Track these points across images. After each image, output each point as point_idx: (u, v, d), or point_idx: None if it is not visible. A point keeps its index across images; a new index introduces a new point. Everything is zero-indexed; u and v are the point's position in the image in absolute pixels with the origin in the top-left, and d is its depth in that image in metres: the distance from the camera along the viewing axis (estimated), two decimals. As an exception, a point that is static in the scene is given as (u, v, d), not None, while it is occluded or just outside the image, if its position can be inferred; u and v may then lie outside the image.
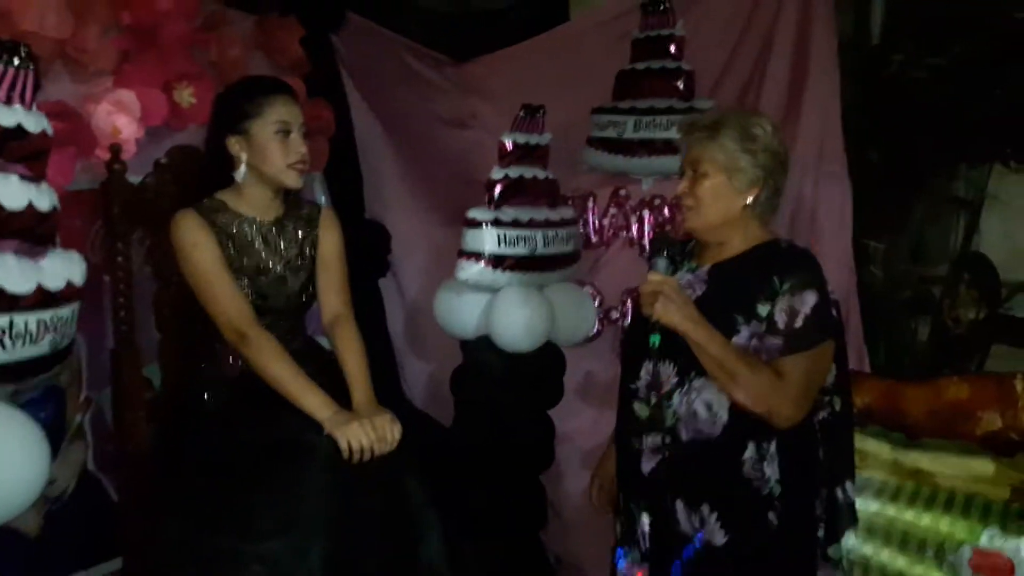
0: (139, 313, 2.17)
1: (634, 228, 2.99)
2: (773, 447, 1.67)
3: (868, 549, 2.01)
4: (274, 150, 1.92)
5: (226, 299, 1.90)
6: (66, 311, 1.62)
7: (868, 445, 2.18)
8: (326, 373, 2.06)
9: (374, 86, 3.11)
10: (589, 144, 2.98)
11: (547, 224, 2.64)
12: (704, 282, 1.76)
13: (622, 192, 3.01)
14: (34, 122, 1.55)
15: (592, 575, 2.75)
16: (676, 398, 1.70)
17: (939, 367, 2.82)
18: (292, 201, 2.07)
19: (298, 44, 2.73)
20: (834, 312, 1.72)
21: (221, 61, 2.50)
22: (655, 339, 1.69)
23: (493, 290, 2.56)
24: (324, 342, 2.23)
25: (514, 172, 2.61)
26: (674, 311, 1.64)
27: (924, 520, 2.01)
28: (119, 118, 2.15)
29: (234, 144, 1.94)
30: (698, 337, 1.64)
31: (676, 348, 1.69)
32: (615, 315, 3.01)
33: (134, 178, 2.19)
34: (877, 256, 2.94)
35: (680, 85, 2.87)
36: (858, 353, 2.68)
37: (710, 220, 1.73)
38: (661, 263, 1.70)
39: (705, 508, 1.69)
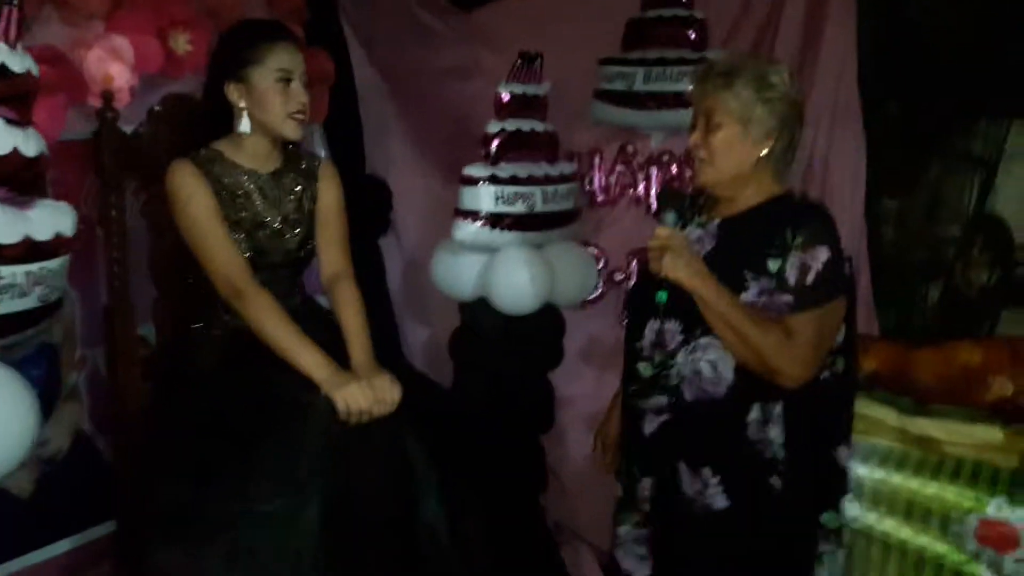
0: (134, 269, 2.12)
1: (641, 186, 2.93)
2: (779, 409, 1.63)
3: (871, 518, 1.98)
4: (274, 99, 1.87)
5: (221, 254, 1.86)
6: (55, 263, 1.58)
7: (874, 411, 2.14)
8: (324, 331, 2.03)
9: (376, 35, 3.02)
10: (596, 97, 2.89)
11: (546, 180, 2.57)
12: (714, 237, 1.71)
13: (629, 148, 2.94)
14: (18, 62, 1.49)
15: (592, 539, 2.74)
16: (681, 357, 1.67)
17: (949, 331, 2.77)
18: (291, 153, 2.02)
19: (297, -10, 2.65)
20: (846, 269, 1.68)
21: (218, 7, 2.41)
22: (662, 295, 1.64)
23: (491, 250, 2.51)
24: (323, 300, 2.19)
25: (511, 125, 2.55)
26: (682, 266, 1.59)
27: (930, 489, 1.98)
28: (112, 65, 2.07)
29: (233, 92, 1.89)
30: (705, 294, 1.60)
31: (682, 306, 1.65)
32: (619, 276, 2.95)
33: (128, 128, 2.13)
34: (890, 214, 2.87)
35: (692, 34, 2.77)
36: (867, 315, 2.63)
37: (724, 173, 1.67)
38: (669, 217, 1.66)
39: (707, 471, 1.66)
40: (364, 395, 1.74)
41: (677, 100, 2.72)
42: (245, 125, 1.90)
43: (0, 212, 1.47)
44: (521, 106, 2.56)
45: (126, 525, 2.07)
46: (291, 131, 1.90)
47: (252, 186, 1.94)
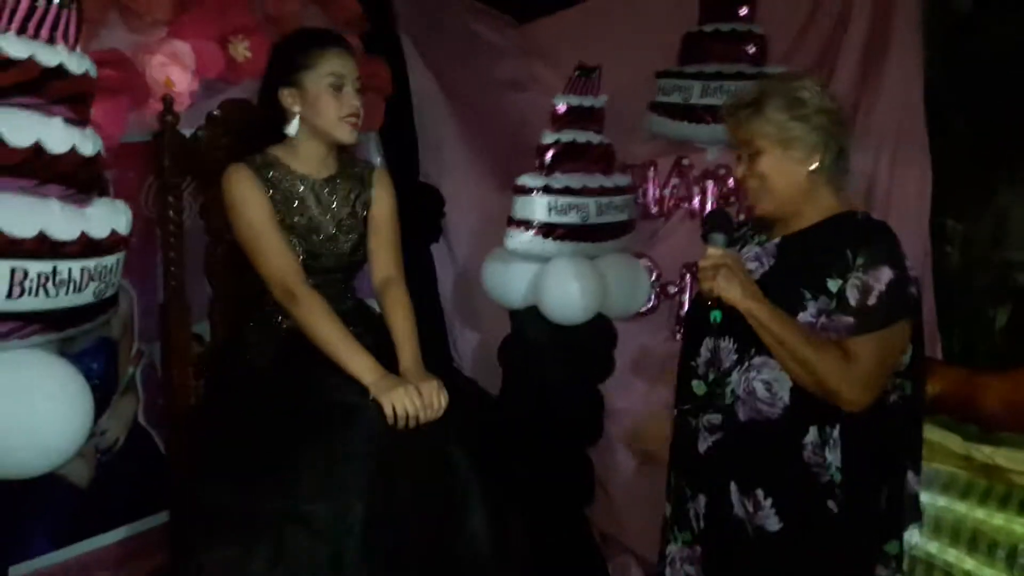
0: (190, 268, 2.15)
1: (696, 199, 2.89)
2: (837, 432, 1.57)
3: (933, 547, 1.90)
4: (327, 103, 1.89)
5: (276, 256, 1.87)
6: (110, 260, 1.60)
7: (937, 436, 2.06)
8: (375, 335, 2.03)
9: (432, 46, 3.04)
10: (652, 109, 2.87)
11: (601, 192, 2.56)
12: (773, 256, 1.67)
13: (685, 161, 2.90)
14: (77, 63, 1.52)
15: (639, 553, 2.68)
16: (735, 376, 1.63)
17: (1016, 358, 2.67)
18: (345, 159, 2.04)
19: (356, 0, 2.67)
20: (913, 290, 1.61)
21: (278, 15, 2.46)
22: (716, 315, 1.59)
23: (543, 259, 2.50)
24: (374, 304, 2.20)
25: (567, 136, 2.54)
26: (735, 287, 1.55)
27: (996, 519, 1.89)
28: (173, 70, 2.12)
29: (287, 96, 1.91)
30: (759, 315, 1.55)
31: (736, 325, 1.61)
32: (673, 289, 2.91)
33: (188, 131, 2.17)
34: (956, 237, 2.79)
35: (751, 49, 2.74)
36: (931, 338, 2.55)
37: (779, 197, 1.63)
38: (719, 238, 1.61)
39: (760, 492, 1.61)
40: (411, 400, 1.73)
41: (735, 114, 2.69)
42: (293, 128, 1.92)
43: (60, 209, 1.50)
44: (577, 117, 2.56)
45: (178, 518, 2.09)
46: (344, 134, 1.92)
47: (307, 191, 1.95)
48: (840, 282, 1.57)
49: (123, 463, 2.20)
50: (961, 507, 1.97)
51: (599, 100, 2.59)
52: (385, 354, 1.90)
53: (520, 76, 3.15)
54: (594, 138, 2.58)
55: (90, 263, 1.55)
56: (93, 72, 1.56)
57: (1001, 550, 1.87)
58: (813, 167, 1.62)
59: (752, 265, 1.68)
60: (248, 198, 1.88)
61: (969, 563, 1.89)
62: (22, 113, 1.46)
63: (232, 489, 1.71)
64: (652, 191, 2.95)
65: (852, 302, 1.55)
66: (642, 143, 2.96)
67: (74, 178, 1.54)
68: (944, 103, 2.66)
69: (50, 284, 1.48)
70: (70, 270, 1.51)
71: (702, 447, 1.68)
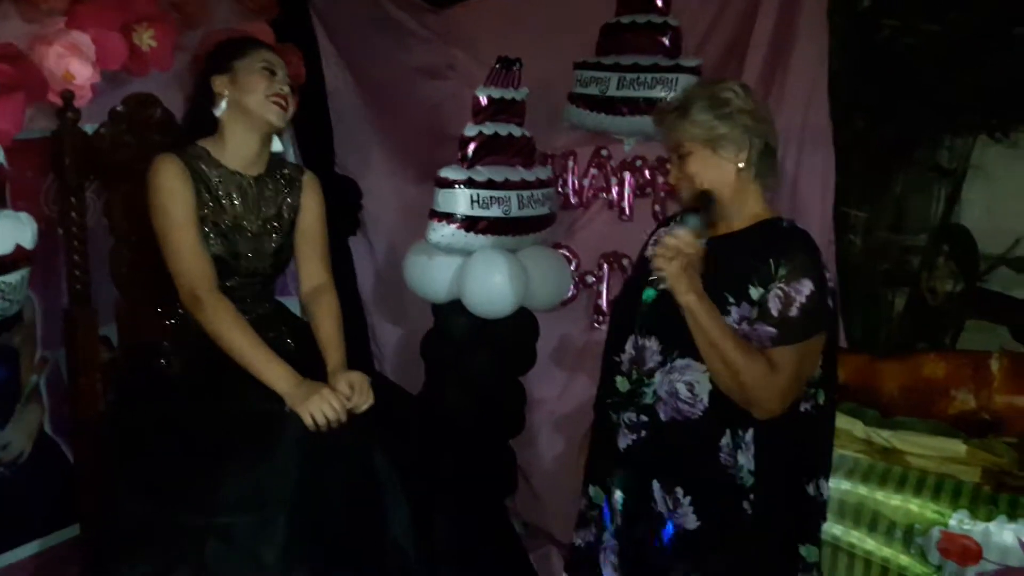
0: (96, 270, 2.07)
1: (614, 190, 2.91)
2: (749, 436, 1.62)
3: (837, 530, 2.00)
4: (256, 82, 1.89)
5: (188, 257, 1.83)
6: (14, 277, 1.54)
7: (842, 422, 2.14)
8: (293, 337, 2.01)
9: (347, 33, 2.96)
10: (571, 100, 2.87)
11: (523, 185, 2.56)
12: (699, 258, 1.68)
13: (604, 152, 2.92)
14: (-29, 69, 1.43)
15: (560, 541, 2.74)
16: (658, 377, 1.66)
17: (914, 340, 2.81)
18: (275, 160, 2.02)
19: (267, -14, 2.59)
20: (830, 303, 1.65)
21: (184, 2, 2.35)
22: (650, 294, 1.60)
23: (466, 253, 2.49)
24: (291, 305, 2.16)
25: (489, 129, 2.52)
26: (684, 280, 1.55)
27: (894, 501, 2.00)
28: (72, 61, 2.01)
29: (218, 82, 1.91)
30: (698, 313, 1.56)
31: (661, 324, 1.63)
32: (591, 279, 2.94)
33: (91, 127, 2.07)
34: (858, 225, 2.90)
35: (666, 41, 2.75)
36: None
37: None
38: (693, 220, 1.59)
39: (679, 491, 1.65)
40: (331, 406, 1.72)
41: (650, 106, 2.71)
42: (220, 109, 1.90)
43: (-44, 224, 1.42)
44: (499, 110, 2.54)
45: (90, 531, 2.03)
46: (273, 115, 1.90)
47: (234, 188, 1.92)
48: (762, 291, 1.59)
49: (30, 475, 2.12)
50: (862, 490, 2.07)
51: (520, 92, 2.58)
52: (304, 357, 1.89)
53: (438, 64, 3.10)
54: (516, 131, 2.57)
55: (-9, 280, 1.48)
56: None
57: (899, 530, 1.98)
58: (741, 165, 1.65)
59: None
60: (172, 190, 1.84)
61: (870, 543, 1.99)
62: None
63: (148, 502, 1.67)
64: (572, 181, 2.96)
65: (774, 312, 1.58)
66: (561, 133, 2.96)
67: (-30, 191, 1.46)
68: (847, 95, 2.75)
69: (-52, 304, 1.41)
70: (-31, 288, 1.44)
71: (622, 444, 1.70)
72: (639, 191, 2.87)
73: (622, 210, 2.90)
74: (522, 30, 2.90)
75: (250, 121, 1.91)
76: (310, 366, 1.85)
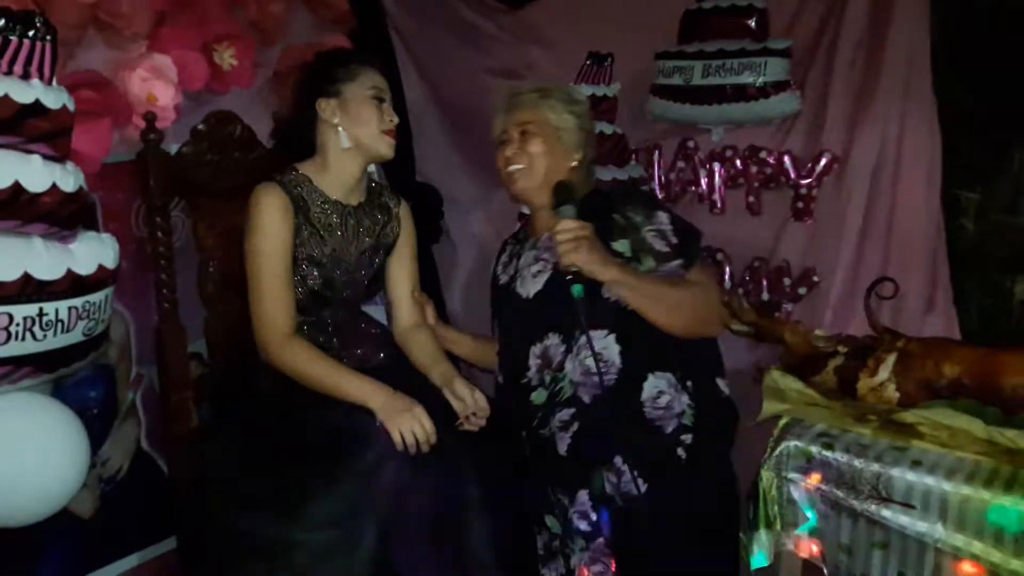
0: (186, 287, 2.11)
1: (703, 182, 2.80)
2: (669, 376, 1.69)
3: (959, 540, 1.85)
4: (370, 113, 1.83)
5: (269, 305, 1.80)
6: (98, 296, 1.56)
7: (960, 422, 2.00)
8: (387, 348, 1.99)
9: (422, 39, 2.95)
10: (653, 92, 2.78)
11: (615, 184, 2.50)
12: (548, 248, 1.76)
13: (690, 144, 2.81)
14: (54, 98, 1.47)
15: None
16: (569, 365, 1.70)
17: (1040, 331, 2.61)
18: (374, 188, 2.00)
19: (343, -2, 2.61)
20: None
21: (262, 19, 2.40)
22: (578, 288, 1.61)
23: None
24: (375, 313, 2.15)
25: (581, 128, 2.47)
26: (597, 258, 1.61)
27: (1022, 506, 1.83)
28: (155, 84, 2.07)
29: (325, 107, 1.84)
30: (629, 277, 1.64)
31: (556, 317, 1.69)
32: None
33: (175, 146, 2.12)
34: (969, 208, 2.70)
35: (752, 24, 2.63)
36: (947, 317, 2.48)
37: (539, 180, 1.76)
38: (569, 210, 1.66)
39: (618, 460, 1.69)
40: (421, 426, 1.68)
41: (738, 93, 2.61)
42: (345, 140, 1.83)
43: (44, 248, 1.46)
44: (590, 107, 2.47)
45: (186, 545, 2.06)
46: (384, 147, 1.86)
47: (336, 220, 1.88)
48: (627, 242, 1.70)
49: (128, 490, 2.18)
50: (985, 495, 1.91)
51: (611, 88, 2.52)
52: (396, 371, 1.88)
53: (516, 64, 3.05)
54: (607, 128, 2.52)
55: (77, 302, 1.51)
56: (71, 105, 1.51)
57: (1029, 539, 1.81)
58: (574, 164, 1.80)
59: (538, 267, 1.77)
60: (267, 227, 1.78)
61: (996, 555, 1.83)
62: (-1, 154, 1.42)
63: (241, 517, 1.68)
64: (658, 175, 2.87)
65: (664, 248, 1.69)
66: (645, 126, 2.87)
67: (56, 215, 1.50)
68: (952, 67, 2.57)
69: (37, 327, 1.44)
70: (57, 311, 1.47)
71: (562, 448, 1.74)
72: (730, 182, 2.76)
73: (713, 203, 2.79)
74: (599, 23, 2.82)
75: (360, 152, 1.86)
76: (403, 381, 1.82)
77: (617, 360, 1.68)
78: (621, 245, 1.70)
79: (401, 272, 2.00)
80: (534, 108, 1.79)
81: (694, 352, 1.76)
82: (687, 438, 1.72)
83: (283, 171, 1.86)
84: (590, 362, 1.66)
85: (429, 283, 2.95)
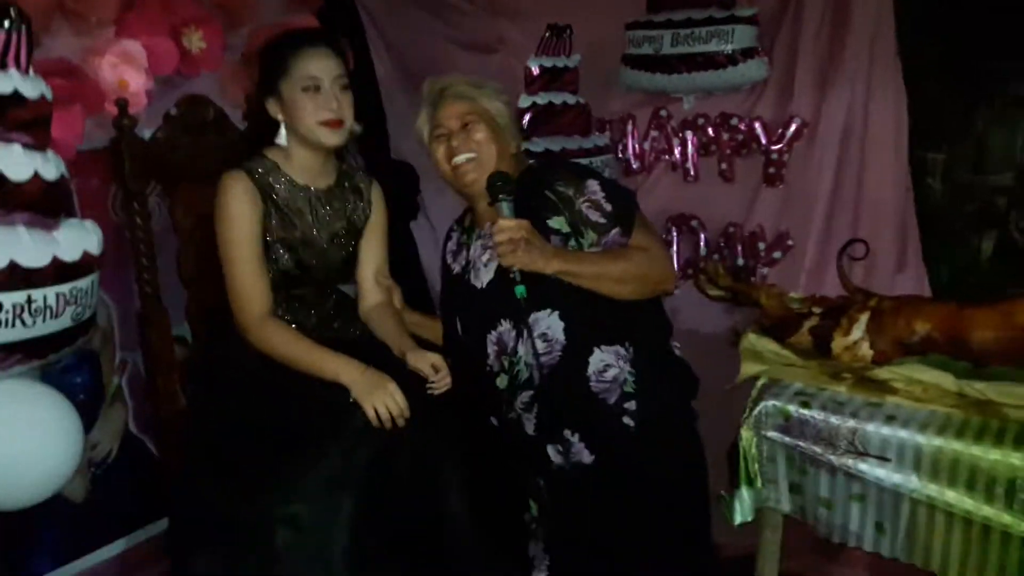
0: (166, 271, 2.12)
1: (677, 151, 2.83)
2: (618, 350, 1.70)
3: (932, 490, 1.91)
4: (303, 107, 1.83)
5: (241, 288, 1.83)
6: (84, 282, 1.57)
7: (931, 376, 2.05)
8: (358, 324, 2.01)
9: (392, 16, 2.94)
10: (624, 63, 2.80)
11: (581, 153, 2.52)
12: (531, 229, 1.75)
13: (663, 113, 2.84)
14: (32, 87, 1.47)
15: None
16: (521, 348, 1.72)
17: (1005, 285, 2.67)
18: (344, 169, 2.00)
19: (309, -24, 2.59)
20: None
21: (228, 1, 2.37)
22: (521, 290, 1.63)
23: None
24: (348, 290, 2.16)
25: (542, 99, 2.50)
26: (538, 257, 1.62)
27: (992, 455, 1.89)
28: (125, 70, 2.06)
29: (273, 106, 1.87)
30: (571, 266, 1.65)
31: (501, 305, 1.71)
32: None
33: (147, 132, 2.11)
34: (936, 168, 2.76)
35: (718, -10, 2.66)
36: (917, 275, 2.54)
37: (492, 167, 1.74)
38: (506, 207, 1.66)
39: (567, 432, 1.72)
40: (394, 401, 1.71)
41: (708, 61, 2.63)
42: (282, 138, 1.87)
43: (28, 237, 1.46)
44: (552, 79, 2.51)
45: (172, 524, 2.08)
46: (324, 137, 1.85)
47: (304, 204, 1.90)
48: (561, 218, 1.70)
49: (118, 474, 2.20)
50: (957, 446, 1.96)
51: (572, 59, 2.53)
52: (369, 345, 1.90)
53: (486, 38, 3.05)
54: (570, 99, 2.54)
55: (64, 288, 1.51)
56: (49, 95, 1.51)
57: (999, 486, 1.88)
58: (514, 151, 1.83)
59: (487, 257, 1.77)
60: (236, 215, 1.81)
61: (968, 503, 1.89)
62: (-22, 144, 1.41)
63: (224, 493, 1.70)
64: (632, 146, 2.89)
65: (601, 219, 1.69)
66: (617, 97, 2.89)
67: (39, 203, 1.50)
68: (916, 30, 2.60)
69: (26, 314, 1.45)
70: (45, 297, 1.48)
71: (529, 428, 1.76)
72: (703, 150, 2.79)
73: (687, 171, 2.82)
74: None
75: (306, 143, 1.87)
76: (376, 355, 1.85)
77: (561, 337, 1.69)
78: (557, 222, 1.70)
79: (368, 254, 2.02)
80: (472, 99, 1.79)
81: (641, 319, 1.78)
82: (631, 405, 1.73)
83: (251, 157, 1.89)
84: (538, 342, 1.69)
85: (408, 259, 2.97)
